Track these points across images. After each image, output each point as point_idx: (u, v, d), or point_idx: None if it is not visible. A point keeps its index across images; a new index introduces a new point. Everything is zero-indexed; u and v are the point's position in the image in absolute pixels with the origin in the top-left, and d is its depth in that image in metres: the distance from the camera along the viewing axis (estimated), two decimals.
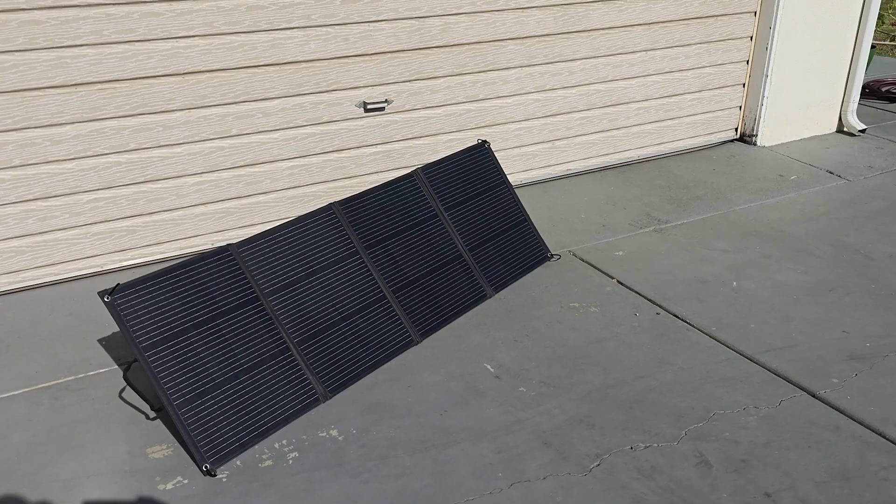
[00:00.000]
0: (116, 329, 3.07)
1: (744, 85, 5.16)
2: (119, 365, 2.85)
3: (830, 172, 4.81)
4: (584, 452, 2.42)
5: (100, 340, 3.02)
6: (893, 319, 3.15)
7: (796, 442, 2.46)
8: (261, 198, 3.77)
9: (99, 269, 3.50)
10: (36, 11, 3.02)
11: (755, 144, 5.25)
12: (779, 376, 2.79)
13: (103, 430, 2.53)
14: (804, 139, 5.41)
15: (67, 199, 3.33)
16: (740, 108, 5.23)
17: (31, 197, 3.26)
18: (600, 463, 2.38)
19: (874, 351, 2.93)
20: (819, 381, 2.75)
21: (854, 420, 2.56)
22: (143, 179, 3.46)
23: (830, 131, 5.53)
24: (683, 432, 2.50)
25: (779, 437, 2.48)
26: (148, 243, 3.57)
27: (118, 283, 2.42)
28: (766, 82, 5.08)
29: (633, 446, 2.45)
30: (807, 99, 5.30)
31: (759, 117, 5.18)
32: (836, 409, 2.61)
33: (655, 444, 2.45)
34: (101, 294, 2.37)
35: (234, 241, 2.76)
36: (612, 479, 2.31)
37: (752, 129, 5.24)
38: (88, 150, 3.30)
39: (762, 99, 5.13)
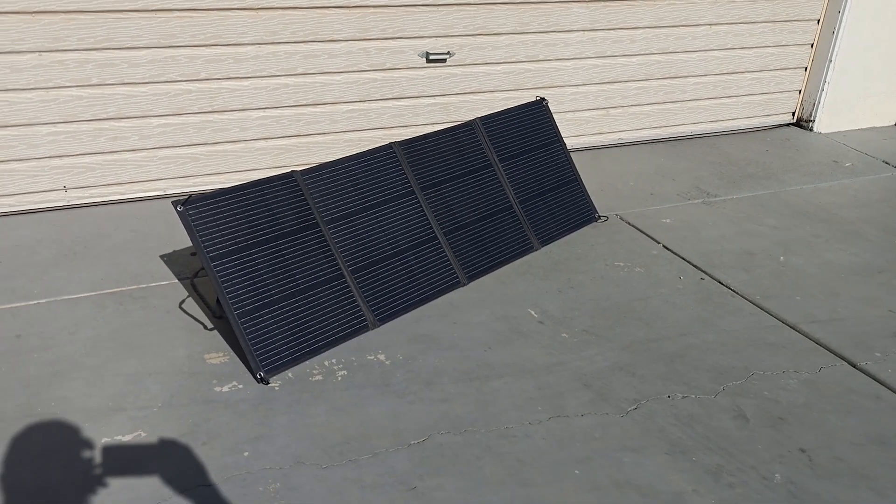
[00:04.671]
0: (177, 247, 3.21)
1: (805, 69, 5.10)
2: (179, 279, 2.98)
3: (887, 163, 4.75)
4: (623, 396, 2.48)
5: (161, 256, 3.15)
6: None
7: (836, 406, 2.49)
8: (319, 138, 3.86)
9: (162, 193, 3.63)
10: None
11: (811, 130, 5.19)
12: (821, 346, 2.82)
13: (164, 334, 2.66)
14: (862, 129, 5.34)
15: (139, 121, 3.46)
16: (800, 91, 5.18)
17: (105, 116, 3.39)
18: (638, 407, 2.44)
19: None
20: (862, 354, 2.77)
21: (895, 392, 2.58)
22: (210, 109, 3.57)
23: (889, 124, 5.44)
24: (722, 387, 2.55)
25: (818, 400, 2.52)
26: (209, 172, 3.69)
27: (190, 195, 2.53)
28: (829, 67, 5.01)
29: (671, 395, 2.50)
30: (868, 88, 5.22)
31: (819, 102, 5.12)
32: (878, 380, 2.63)
33: (693, 396, 2.50)
34: (175, 203, 2.49)
35: (299, 169, 2.85)
36: (649, 422, 2.37)
37: (810, 115, 5.18)
38: (162, 76, 3.42)
39: (823, 84, 5.06)
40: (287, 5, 3.52)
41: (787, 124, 5.28)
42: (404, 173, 3.10)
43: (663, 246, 3.51)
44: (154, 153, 3.55)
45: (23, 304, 2.78)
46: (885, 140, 5.16)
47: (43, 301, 2.80)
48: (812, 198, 4.18)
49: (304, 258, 2.71)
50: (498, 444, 2.25)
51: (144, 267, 3.07)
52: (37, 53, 3.17)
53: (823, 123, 5.19)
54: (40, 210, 3.44)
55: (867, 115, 5.32)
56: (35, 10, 3.10)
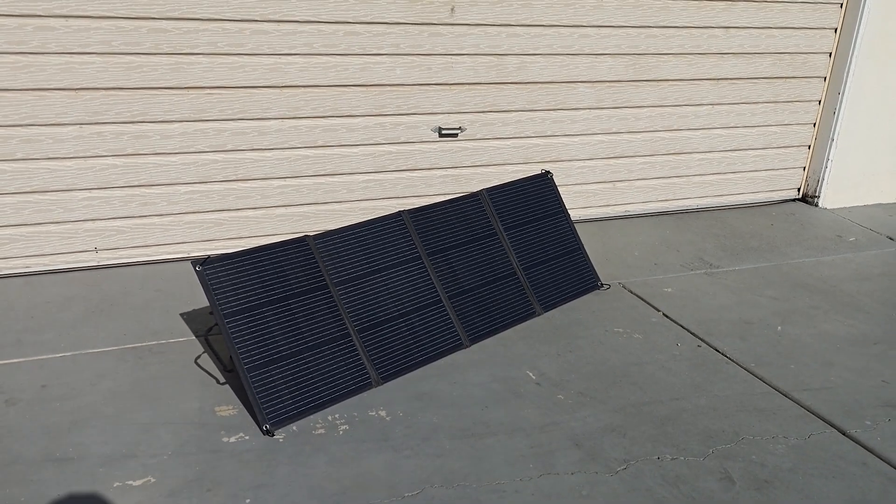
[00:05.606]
0: (197, 305, 3.40)
1: (809, 147, 5.27)
2: (197, 336, 3.16)
3: (891, 238, 4.84)
4: (613, 457, 2.57)
5: (181, 314, 3.33)
6: None
7: (822, 471, 2.55)
8: (336, 206, 4.09)
9: (186, 255, 3.85)
10: (162, 21, 3.45)
11: (817, 206, 5.32)
12: (812, 413, 2.88)
13: (179, 388, 2.81)
14: (868, 205, 5.46)
15: (168, 188, 3.71)
16: (804, 168, 5.34)
17: (137, 183, 3.65)
18: (627, 467, 2.52)
19: None
20: (851, 422, 2.83)
21: (882, 459, 2.63)
22: (234, 178, 3.82)
23: (894, 200, 5.55)
24: (711, 450, 2.62)
25: (805, 465, 2.58)
26: (232, 237, 3.91)
27: (209, 256, 2.73)
28: (831, 146, 5.18)
29: (660, 457, 2.58)
30: (872, 166, 5.36)
31: (823, 179, 5.27)
32: (866, 447, 2.69)
33: (682, 458, 2.58)
34: (194, 264, 2.69)
35: (311, 234, 3.05)
36: (636, 482, 2.45)
37: (815, 191, 5.32)
38: (191, 147, 3.69)
39: (826, 162, 5.22)
40: (309, 83, 3.80)
41: (793, 199, 5.42)
42: (412, 240, 3.28)
43: (663, 314, 3.62)
44: (180, 218, 3.79)
45: (50, 356, 2.97)
46: (891, 216, 5.27)
47: (69, 354, 2.99)
48: (813, 270, 4.28)
49: (313, 317, 2.88)
50: (488, 498, 2.34)
51: (165, 324, 3.25)
52: (78, 126, 3.47)
53: (828, 199, 5.32)
54: (72, 270, 3.67)
55: (872, 191, 5.45)
56: (78, 86, 3.41)
